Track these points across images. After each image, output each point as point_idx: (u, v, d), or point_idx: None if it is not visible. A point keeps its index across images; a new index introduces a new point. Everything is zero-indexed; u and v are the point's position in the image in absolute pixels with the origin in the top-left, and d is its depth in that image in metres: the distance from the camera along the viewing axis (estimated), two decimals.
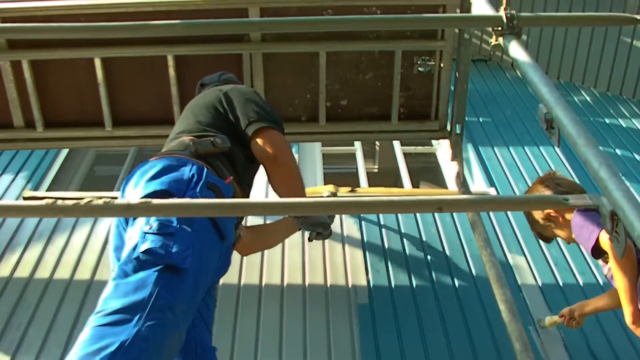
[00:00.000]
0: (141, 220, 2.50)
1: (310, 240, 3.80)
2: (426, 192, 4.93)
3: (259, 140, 3.08)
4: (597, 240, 2.85)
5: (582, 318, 3.50)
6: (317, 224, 3.62)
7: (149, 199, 2.01)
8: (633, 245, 2.82)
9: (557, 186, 3.17)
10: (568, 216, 3.09)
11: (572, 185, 3.19)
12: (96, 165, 6.47)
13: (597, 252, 2.91)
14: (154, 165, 2.76)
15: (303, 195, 3.36)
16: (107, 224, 4.51)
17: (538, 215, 3.23)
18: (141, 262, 2.34)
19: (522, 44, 2.93)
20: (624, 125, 6.49)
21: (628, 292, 2.86)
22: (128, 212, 1.98)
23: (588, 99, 7.06)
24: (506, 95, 6.93)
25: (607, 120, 6.56)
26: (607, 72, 7.22)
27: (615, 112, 6.78)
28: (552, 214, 3.16)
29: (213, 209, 2.08)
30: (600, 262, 3.19)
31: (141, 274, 2.30)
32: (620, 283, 2.87)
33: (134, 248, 2.38)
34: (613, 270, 2.89)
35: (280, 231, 3.83)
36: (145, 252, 2.34)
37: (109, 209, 1.93)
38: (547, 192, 3.16)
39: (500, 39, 3.04)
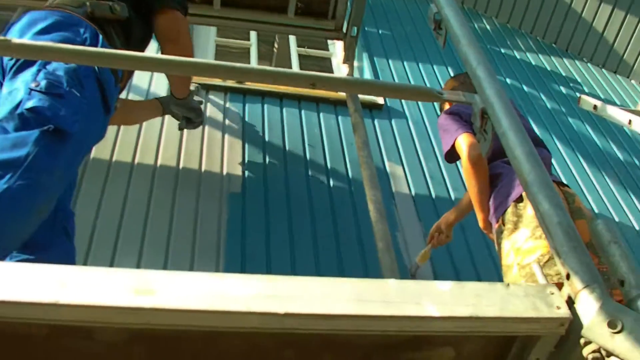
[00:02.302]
0: (27, 76, 2.35)
1: (180, 128, 3.77)
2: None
3: (164, 19, 3.03)
4: (453, 144, 2.91)
5: (450, 229, 3.58)
6: (191, 108, 3.60)
7: (8, 37, 1.90)
8: (485, 160, 2.89)
9: (462, 83, 3.27)
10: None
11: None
12: None
13: (451, 156, 2.99)
14: (45, 18, 2.60)
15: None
16: None
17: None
18: (24, 120, 2.20)
19: None
20: (518, 57, 6.57)
21: (478, 199, 2.93)
22: None
23: (488, 27, 7.10)
24: (409, 13, 6.89)
25: (502, 50, 6.62)
26: (510, 5, 7.25)
27: (512, 43, 6.85)
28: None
29: (80, 56, 1.97)
30: None
31: (22, 132, 2.17)
32: (472, 189, 2.93)
33: (18, 105, 2.23)
34: (465, 176, 2.95)
35: (144, 111, 3.76)
36: (30, 110, 2.22)
37: None
38: (456, 84, 3.28)
39: None
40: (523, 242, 2.56)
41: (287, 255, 3.48)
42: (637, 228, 4.51)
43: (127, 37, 2.89)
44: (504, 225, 2.72)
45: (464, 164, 2.91)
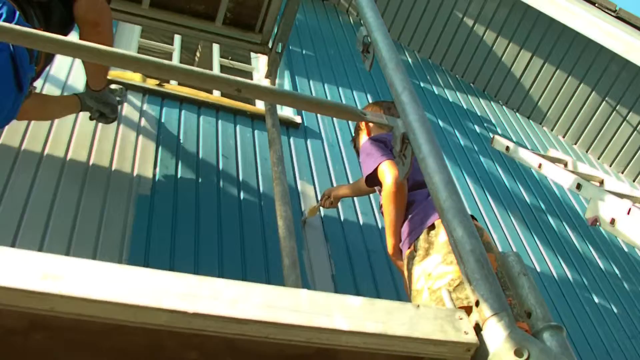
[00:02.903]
0: None
1: (91, 118, 3.68)
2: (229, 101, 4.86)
3: (85, 1, 2.91)
4: (376, 169, 2.95)
5: (337, 200, 3.87)
6: (107, 102, 3.52)
7: None
8: (407, 189, 2.93)
9: (388, 109, 3.31)
10: (373, 133, 3.37)
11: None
12: None
13: (372, 180, 3.03)
14: None
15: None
16: None
17: (357, 122, 3.44)
18: None
19: None
20: (436, 92, 6.68)
21: (392, 225, 2.95)
22: None
23: (410, 60, 7.20)
24: (334, 37, 6.93)
25: (421, 84, 6.72)
26: (433, 41, 7.37)
27: (431, 78, 6.96)
28: (361, 125, 3.51)
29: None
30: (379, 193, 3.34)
31: None
32: (388, 216, 2.96)
33: None
34: (385, 203, 2.97)
35: (59, 106, 3.65)
36: None
37: None
38: (380, 111, 3.32)
39: None
40: (434, 268, 2.59)
41: (191, 262, 3.43)
42: (538, 270, 4.62)
43: (47, 20, 2.82)
44: (415, 251, 2.75)
45: (385, 190, 2.93)
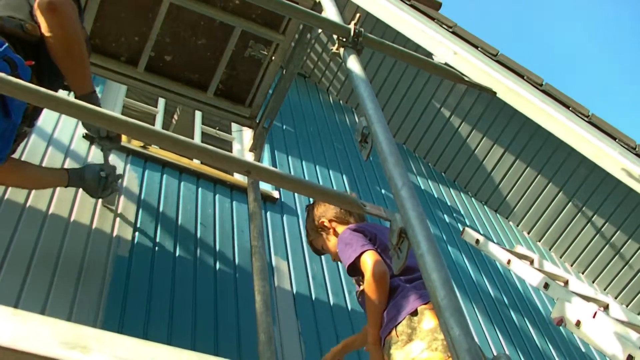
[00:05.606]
0: None
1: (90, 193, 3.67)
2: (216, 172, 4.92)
3: None
4: (357, 259, 2.99)
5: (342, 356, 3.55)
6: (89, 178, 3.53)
7: None
8: (389, 278, 2.98)
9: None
10: (339, 229, 3.26)
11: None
12: None
13: (354, 270, 3.06)
14: None
15: (83, 63, 3.09)
16: None
17: (315, 222, 3.37)
18: None
19: (359, 60, 3.03)
20: None
21: (376, 314, 2.99)
22: None
23: None
24: (314, 114, 7.06)
25: None
26: (409, 127, 7.53)
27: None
28: (325, 224, 3.37)
29: None
30: (355, 283, 3.35)
31: None
32: (372, 305, 2.99)
33: None
34: (368, 292, 3.00)
35: (46, 177, 3.58)
36: None
37: None
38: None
39: (342, 50, 3.12)
40: (419, 353, 2.63)
41: (165, 326, 3.45)
42: None
43: (38, 59, 2.83)
44: (397, 336, 2.79)
45: (368, 280, 2.96)
